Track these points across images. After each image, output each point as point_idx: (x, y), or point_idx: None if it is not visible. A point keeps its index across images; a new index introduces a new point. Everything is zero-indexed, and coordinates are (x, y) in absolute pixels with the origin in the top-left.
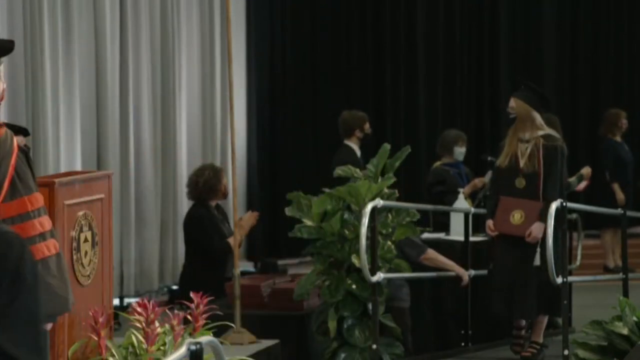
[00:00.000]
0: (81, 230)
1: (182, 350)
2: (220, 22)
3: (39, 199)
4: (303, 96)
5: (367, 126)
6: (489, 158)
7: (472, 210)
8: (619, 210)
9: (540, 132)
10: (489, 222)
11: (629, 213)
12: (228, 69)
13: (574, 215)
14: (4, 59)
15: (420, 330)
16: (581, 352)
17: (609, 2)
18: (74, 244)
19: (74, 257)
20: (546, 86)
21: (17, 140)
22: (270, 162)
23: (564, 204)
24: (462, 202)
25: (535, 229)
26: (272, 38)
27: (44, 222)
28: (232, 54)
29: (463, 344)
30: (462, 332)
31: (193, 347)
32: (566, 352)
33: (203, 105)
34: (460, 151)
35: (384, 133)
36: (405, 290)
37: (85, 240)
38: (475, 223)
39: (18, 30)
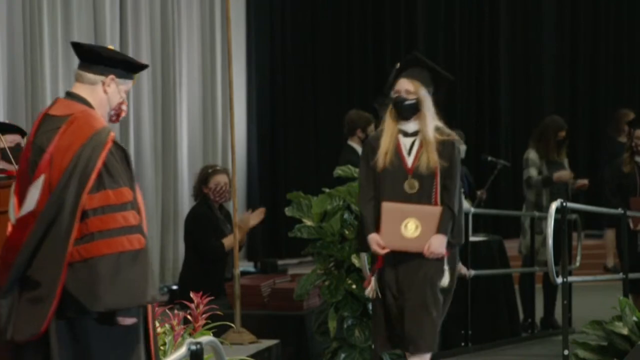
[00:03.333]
0: None
1: (182, 350)
2: (220, 22)
3: (125, 193)
4: (303, 96)
5: (371, 128)
6: (489, 158)
7: (472, 210)
8: (619, 210)
9: (432, 123)
10: (374, 237)
11: (629, 213)
12: (228, 69)
13: (574, 216)
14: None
15: None
16: (581, 352)
17: (609, 2)
18: None
19: None
20: (546, 86)
21: (112, 137)
22: (270, 162)
23: (564, 204)
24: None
25: (435, 242)
26: (272, 38)
27: (128, 217)
28: (232, 54)
29: (463, 344)
30: (462, 332)
31: (193, 347)
32: (566, 352)
33: (203, 105)
34: (464, 148)
35: None
36: None
37: None
38: (475, 223)
39: (18, 30)
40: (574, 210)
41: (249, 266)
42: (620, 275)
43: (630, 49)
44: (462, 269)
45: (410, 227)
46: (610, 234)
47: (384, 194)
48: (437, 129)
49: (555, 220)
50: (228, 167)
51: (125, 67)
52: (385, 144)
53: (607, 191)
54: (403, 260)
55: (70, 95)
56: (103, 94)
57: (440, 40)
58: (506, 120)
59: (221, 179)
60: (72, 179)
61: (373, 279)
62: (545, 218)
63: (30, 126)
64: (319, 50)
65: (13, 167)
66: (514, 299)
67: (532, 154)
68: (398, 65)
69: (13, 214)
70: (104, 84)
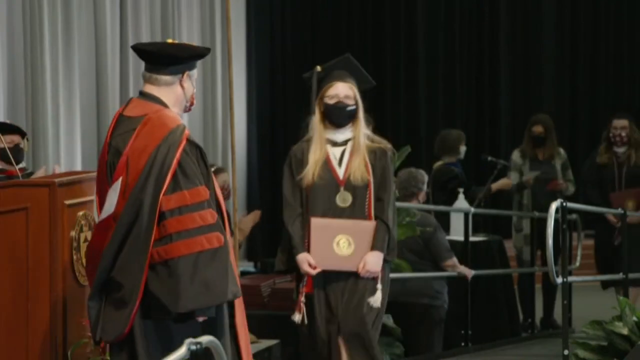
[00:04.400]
0: (81, 230)
1: (182, 350)
2: (221, 22)
3: (201, 192)
4: (303, 96)
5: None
6: (489, 158)
7: (472, 210)
8: (619, 210)
9: (363, 131)
10: (305, 257)
11: (629, 213)
12: (228, 69)
13: (574, 216)
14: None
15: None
16: (581, 352)
17: (609, 2)
18: (74, 244)
19: (74, 257)
20: (546, 86)
21: (186, 134)
22: (270, 162)
23: (564, 203)
24: (462, 202)
25: (371, 260)
26: (272, 38)
27: (206, 216)
28: (232, 54)
29: (463, 344)
30: (462, 332)
31: (193, 347)
32: (566, 352)
33: (203, 105)
34: (464, 149)
35: (384, 133)
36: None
37: (85, 240)
38: (475, 223)
39: (18, 30)
40: (573, 210)
41: (249, 266)
42: (620, 275)
43: (630, 49)
44: (465, 270)
45: (342, 244)
46: None
47: (314, 209)
48: (367, 137)
49: (555, 220)
50: (228, 167)
51: (196, 58)
52: (314, 156)
53: (586, 186)
54: (334, 280)
55: (144, 95)
56: (180, 90)
57: (440, 40)
58: (506, 120)
59: (220, 177)
60: (148, 180)
61: (303, 304)
62: (528, 217)
63: (30, 126)
64: (319, 50)
65: (13, 167)
66: (513, 299)
67: (514, 155)
68: (319, 68)
69: (97, 217)
70: (180, 81)
